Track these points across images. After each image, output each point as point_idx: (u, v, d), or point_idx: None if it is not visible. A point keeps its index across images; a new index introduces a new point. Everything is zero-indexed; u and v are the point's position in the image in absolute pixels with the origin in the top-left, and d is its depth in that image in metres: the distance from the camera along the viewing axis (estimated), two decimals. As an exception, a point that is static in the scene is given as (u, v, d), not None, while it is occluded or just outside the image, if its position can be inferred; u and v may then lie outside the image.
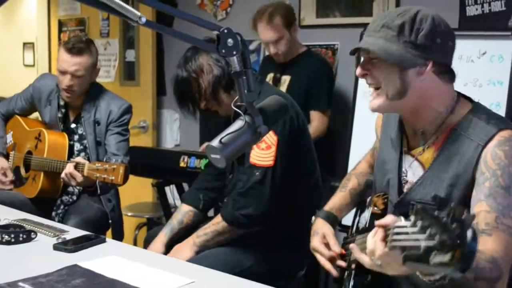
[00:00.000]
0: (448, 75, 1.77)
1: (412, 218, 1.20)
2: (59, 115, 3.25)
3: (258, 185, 2.36)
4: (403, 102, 1.75)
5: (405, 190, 1.86)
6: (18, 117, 3.43)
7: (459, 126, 1.76)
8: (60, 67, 3.12)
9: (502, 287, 1.59)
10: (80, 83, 3.15)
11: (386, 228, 1.38)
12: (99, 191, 3.13)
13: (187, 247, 2.46)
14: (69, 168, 2.84)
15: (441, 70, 1.75)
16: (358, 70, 1.79)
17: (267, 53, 4.21)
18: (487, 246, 1.56)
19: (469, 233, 1.09)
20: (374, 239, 1.43)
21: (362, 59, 1.82)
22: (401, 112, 1.86)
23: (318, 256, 1.93)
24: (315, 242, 1.94)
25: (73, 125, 3.25)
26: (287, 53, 3.66)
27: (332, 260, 1.93)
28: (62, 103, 3.24)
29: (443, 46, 1.74)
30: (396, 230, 1.29)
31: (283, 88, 3.65)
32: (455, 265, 1.10)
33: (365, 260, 1.55)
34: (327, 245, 1.93)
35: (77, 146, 3.22)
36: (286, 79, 3.69)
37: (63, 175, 2.87)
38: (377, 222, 1.42)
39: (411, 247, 1.19)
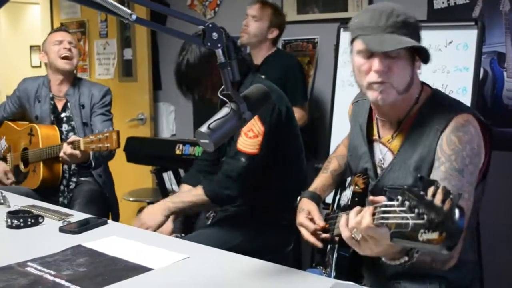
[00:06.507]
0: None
1: (400, 198, 1.16)
2: (50, 106, 3.26)
3: (244, 170, 2.34)
4: (406, 96, 1.71)
5: (378, 176, 1.84)
6: (7, 122, 3.43)
7: (421, 111, 1.74)
8: (57, 38, 3.26)
9: (453, 263, 1.59)
10: (74, 54, 3.27)
11: (375, 205, 1.31)
12: (93, 165, 3.11)
13: (159, 211, 2.38)
14: (66, 148, 2.77)
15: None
16: (380, 67, 1.64)
17: (247, 51, 4.19)
18: None
19: (457, 211, 1.04)
20: (362, 213, 1.35)
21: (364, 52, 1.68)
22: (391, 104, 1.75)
23: (303, 231, 1.90)
24: (301, 218, 1.92)
25: (62, 114, 3.27)
26: (253, 38, 3.62)
27: (316, 234, 1.91)
28: (50, 95, 3.28)
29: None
30: (384, 208, 1.24)
31: None
32: (443, 242, 1.05)
33: (345, 233, 1.43)
34: (312, 220, 1.91)
35: (65, 127, 3.24)
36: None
37: (61, 155, 2.81)
38: (370, 198, 1.39)
39: (399, 224, 1.15)
